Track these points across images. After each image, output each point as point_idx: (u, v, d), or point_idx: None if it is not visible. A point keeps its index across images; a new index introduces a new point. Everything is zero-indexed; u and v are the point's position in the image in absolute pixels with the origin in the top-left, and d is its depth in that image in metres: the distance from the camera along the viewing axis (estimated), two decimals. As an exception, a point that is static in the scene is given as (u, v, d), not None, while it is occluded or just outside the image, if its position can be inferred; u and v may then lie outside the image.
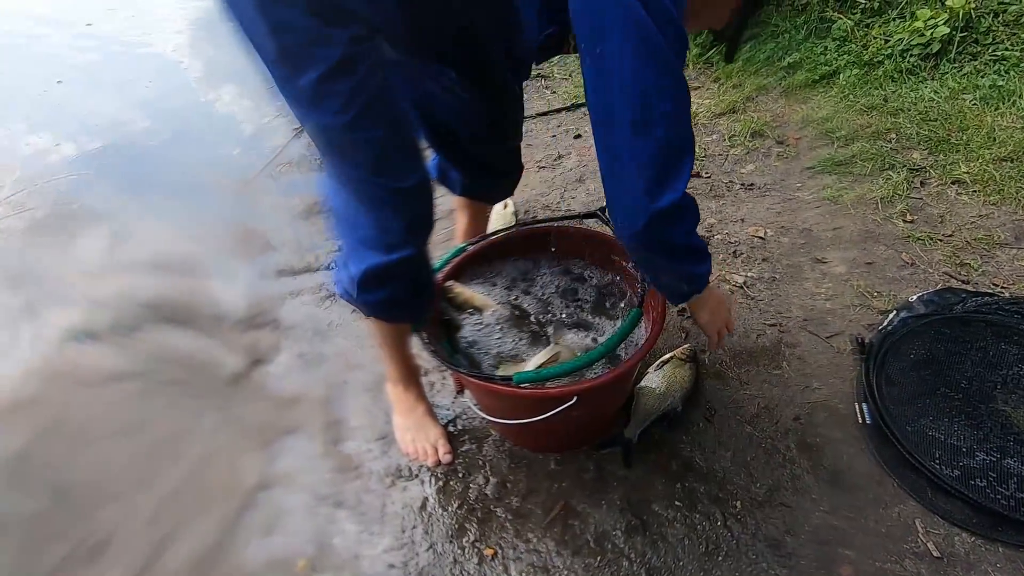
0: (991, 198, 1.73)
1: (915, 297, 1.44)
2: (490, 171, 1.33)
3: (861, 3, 2.52)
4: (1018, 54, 2.14)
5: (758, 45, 2.54)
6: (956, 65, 2.21)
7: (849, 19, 2.50)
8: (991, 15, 2.28)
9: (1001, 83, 2.05)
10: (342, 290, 1.03)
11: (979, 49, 2.22)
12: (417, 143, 0.92)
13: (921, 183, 1.82)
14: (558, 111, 2.48)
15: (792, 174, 1.93)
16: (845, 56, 2.40)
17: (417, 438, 1.25)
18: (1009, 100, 2.00)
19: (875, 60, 2.33)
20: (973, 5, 2.21)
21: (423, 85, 1.08)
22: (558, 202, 1.94)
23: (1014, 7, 2.23)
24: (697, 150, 2.10)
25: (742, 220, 1.78)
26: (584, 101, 2.14)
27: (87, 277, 1.83)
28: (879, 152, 1.94)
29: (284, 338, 1.57)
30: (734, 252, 1.67)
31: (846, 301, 1.48)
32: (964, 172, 1.81)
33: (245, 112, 2.79)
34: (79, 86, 3.19)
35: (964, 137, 1.93)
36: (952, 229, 1.66)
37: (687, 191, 0.77)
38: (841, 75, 2.33)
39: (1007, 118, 1.96)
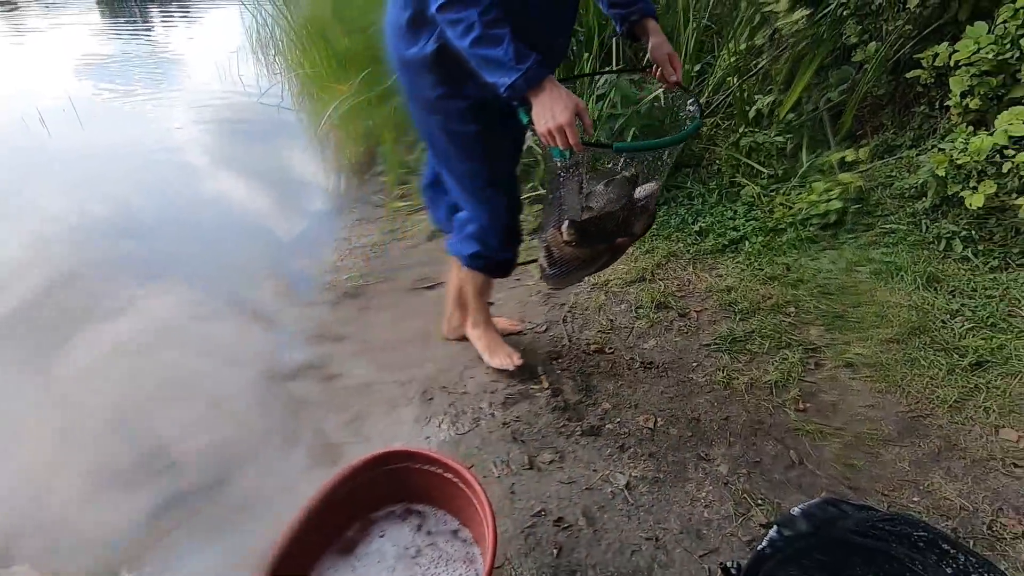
0: (879, 385, 1.72)
1: (797, 510, 1.38)
2: None
3: (765, 172, 2.68)
4: (904, 228, 2.25)
5: (672, 209, 2.67)
6: (853, 235, 2.31)
7: (756, 185, 2.64)
8: (880, 187, 2.42)
9: (888, 258, 2.13)
10: (465, 256, 1.63)
11: (872, 220, 2.33)
12: None
13: (816, 364, 1.83)
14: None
15: (690, 352, 1.94)
16: (752, 222, 2.51)
17: (496, 352, 1.86)
18: (898, 275, 2.07)
19: (779, 227, 2.43)
20: (860, 182, 2.35)
21: None
22: (463, 371, 1.93)
23: (898, 182, 2.37)
24: (605, 322, 2.13)
25: (636, 406, 1.76)
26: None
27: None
28: (777, 328, 1.96)
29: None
30: (621, 446, 1.63)
31: (726, 510, 1.42)
32: (856, 354, 1.83)
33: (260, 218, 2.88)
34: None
35: (858, 314, 1.96)
36: (843, 420, 1.64)
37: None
38: (747, 242, 2.42)
39: (896, 294, 2.01)
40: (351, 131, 3.64)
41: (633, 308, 2.19)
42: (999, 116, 1.97)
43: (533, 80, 1.14)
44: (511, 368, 1.83)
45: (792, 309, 2.05)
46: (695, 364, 1.89)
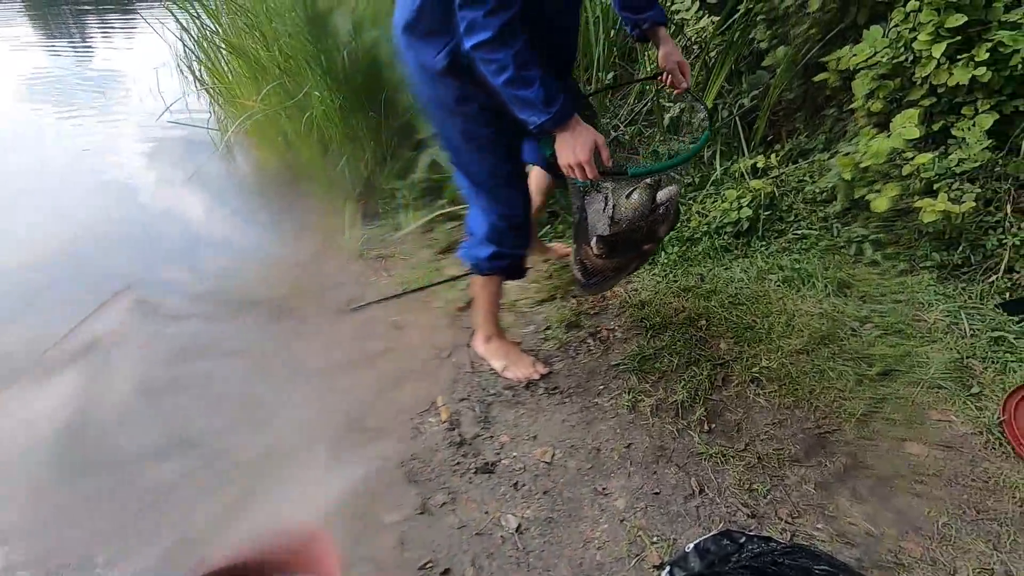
0: (786, 399, 1.65)
1: (691, 546, 1.27)
2: None
3: (682, 180, 2.62)
4: (816, 233, 2.21)
5: (588, 222, 2.58)
6: (764, 242, 2.26)
7: (673, 194, 2.58)
8: (793, 192, 2.38)
9: (799, 265, 2.07)
10: (484, 260, 1.63)
11: (784, 227, 2.29)
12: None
13: (723, 380, 1.75)
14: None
15: (597, 374, 1.84)
16: (670, 232, 2.43)
17: (519, 366, 1.81)
18: (809, 283, 2.02)
19: (695, 236, 2.37)
20: (770, 188, 2.30)
21: None
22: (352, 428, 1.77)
23: (809, 186, 2.34)
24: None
25: (534, 438, 1.64)
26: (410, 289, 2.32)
27: None
28: (688, 343, 1.88)
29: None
30: (515, 484, 1.50)
31: (619, 551, 1.31)
32: (764, 367, 1.75)
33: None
34: None
35: (767, 324, 1.90)
36: (747, 440, 1.55)
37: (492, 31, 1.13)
38: (664, 253, 2.34)
39: (807, 302, 1.96)
40: (265, 145, 3.46)
41: (541, 330, 2.08)
42: (894, 119, 1.94)
43: (560, 121, 1.23)
44: (536, 378, 1.80)
45: (703, 322, 1.97)
46: (601, 387, 1.79)
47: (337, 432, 1.72)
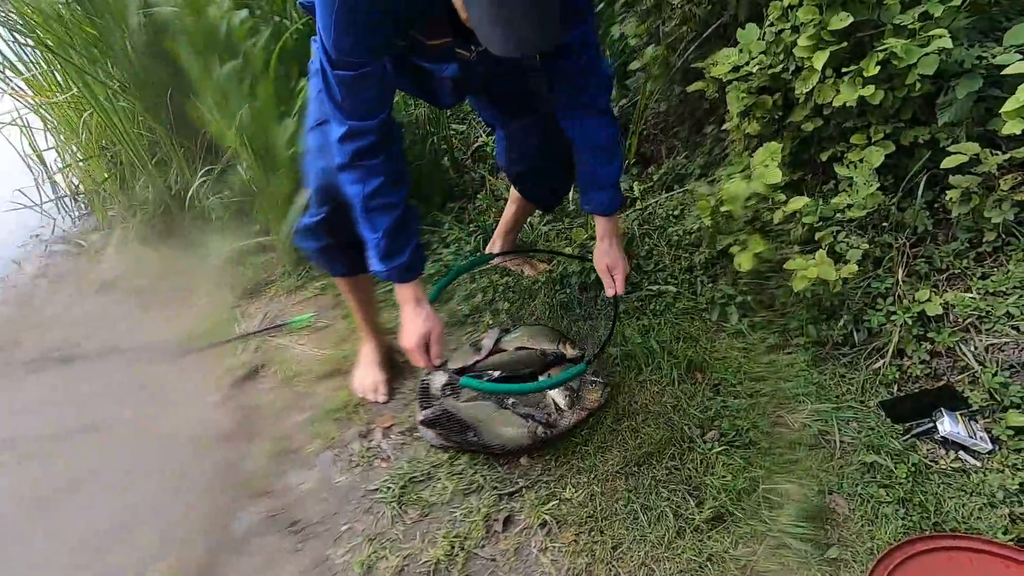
0: (579, 559, 1.18)
1: None
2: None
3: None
4: (676, 289, 1.73)
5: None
6: (621, 299, 1.77)
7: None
8: (658, 232, 1.90)
9: (642, 339, 1.59)
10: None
11: (640, 277, 1.81)
12: None
13: (506, 522, 1.27)
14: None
15: (350, 501, 1.34)
16: (507, 278, 1.93)
17: (365, 378, 1.60)
18: (652, 363, 1.54)
19: (532, 288, 1.87)
20: (627, 227, 1.82)
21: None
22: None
23: (673, 227, 1.86)
24: (273, 447, 1.50)
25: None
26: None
27: None
28: (475, 458, 1.39)
29: None
30: None
31: None
32: (564, 499, 1.28)
33: None
34: None
35: (586, 428, 1.42)
36: (507, 636, 1.08)
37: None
38: (490, 312, 1.84)
39: (645, 392, 1.48)
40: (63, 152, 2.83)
41: (311, 422, 1.57)
42: (755, 154, 1.47)
43: (391, 279, 1.19)
44: (370, 400, 1.59)
45: (510, 423, 1.48)
46: (345, 527, 1.29)
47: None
